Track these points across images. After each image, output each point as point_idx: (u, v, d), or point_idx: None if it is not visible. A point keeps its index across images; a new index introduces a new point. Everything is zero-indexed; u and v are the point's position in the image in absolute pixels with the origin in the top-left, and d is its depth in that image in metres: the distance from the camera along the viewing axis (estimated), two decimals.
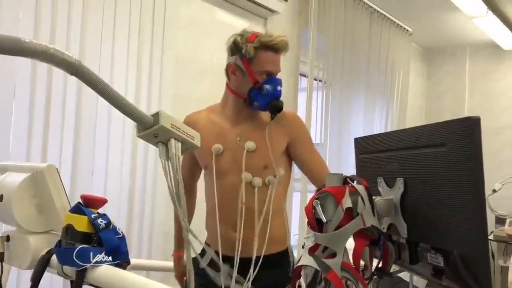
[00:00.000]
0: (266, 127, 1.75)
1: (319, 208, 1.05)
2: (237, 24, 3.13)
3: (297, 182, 3.37)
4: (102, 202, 1.08)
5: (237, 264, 1.64)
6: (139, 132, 0.98)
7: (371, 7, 4.33)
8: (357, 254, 1.07)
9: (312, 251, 1.06)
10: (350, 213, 1.05)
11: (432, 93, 5.92)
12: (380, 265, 1.16)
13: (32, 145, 2.10)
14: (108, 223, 1.03)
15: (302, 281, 1.12)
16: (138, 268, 2.09)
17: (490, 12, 4.22)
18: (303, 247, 1.09)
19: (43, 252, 1.07)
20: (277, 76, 1.77)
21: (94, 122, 2.33)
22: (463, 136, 0.95)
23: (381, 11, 4.48)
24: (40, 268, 1.05)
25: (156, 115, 0.96)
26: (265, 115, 1.79)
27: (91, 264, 0.97)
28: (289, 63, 3.56)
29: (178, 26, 2.76)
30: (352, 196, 1.06)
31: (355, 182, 1.09)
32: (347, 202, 1.05)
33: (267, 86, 1.71)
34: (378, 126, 4.58)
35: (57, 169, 1.14)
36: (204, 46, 2.99)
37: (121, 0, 2.41)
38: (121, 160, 2.44)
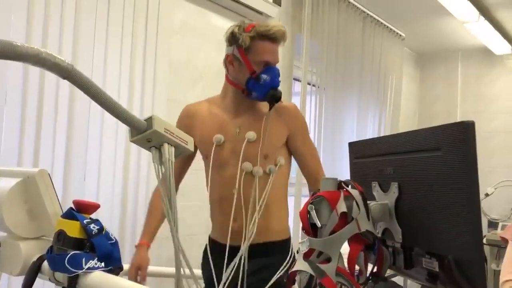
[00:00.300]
0: (264, 116, 1.74)
1: (313, 213, 1.04)
2: None
3: (291, 186, 3.36)
4: (94, 207, 1.07)
5: (228, 251, 1.66)
6: (132, 136, 0.97)
7: (364, 12, 4.34)
8: (352, 259, 1.06)
9: (306, 256, 1.05)
10: (345, 218, 1.05)
11: (425, 98, 5.95)
12: (375, 270, 1.16)
13: (24, 149, 2.08)
14: (101, 228, 1.02)
15: (296, 286, 1.12)
16: None
17: (482, 18, 4.26)
18: (297, 252, 1.08)
19: (35, 258, 1.06)
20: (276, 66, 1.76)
21: (87, 127, 2.32)
22: (458, 140, 0.95)
23: (374, 16, 4.50)
24: (32, 274, 1.04)
25: (149, 120, 0.95)
26: (265, 106, 1.78)
27: (83, 270, 0.96)
28: (283, 68, 3.57)
29: (171, 30, 2.76)
30: (347, 201, 1.06)
31: (349, 186, 1.09)
32: (341, 207, 1.05)
33: (264, 76, 1.70)
34: (371, 130, 4.59)
35: (49, 174, 1.13)
36: (198, 50, 2.98)
37: (114, 4, 2.41)
38: (114, 165, 2.42)
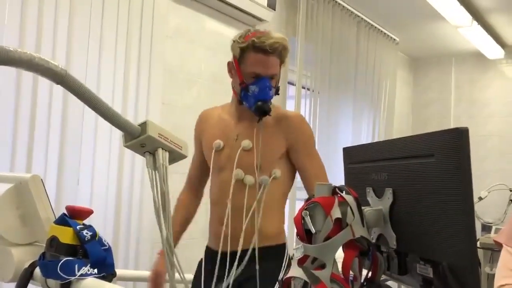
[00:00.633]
0: (263, 127, 1.73)
1: (308, 219, 1.04)
2: (224, 32, 3.13)
3: None
4: (87, 213, 1.06)
5: (219, 258, 1.68)
6: (126, 142, 0.96)
7: (358, 16, 4.36)
8: (346, 265, 1.06)
9: (301, 262, 1.05)
10: (339, 224, 1.04)
11: (419, 102, 5.98)
12: (369, 276, 1.16)
13: (16, 154, 2.07)
14: (94, 234, 1.02)
15: None
16: (125, 279, 2.06)
17: (475, 22, 4.29)
18: (292, 258, 1.08)
19: (27, 265, 1.05)
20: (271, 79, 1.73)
21: (80, 132, 2.31)
22: (452, 146, 0.95)
23: (368, 21, 4.52)
24: (24, 281, 1.03)
25: (144, 125, 0.95)
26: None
27: (76, 277, 0.95)
28: None
29: (165, 34, 2.75)
30: (341, 207, 1.05)
31: (344, 192, 1.09)
32: (336, 213, 1.04)
33: (253, 87, 1.69)
34: (365, 133, 4.60)
35: (41, 179, 1.12)
36: (192, 54, 2.98)
37: (108, 8, 2.40)
38: (108, 170, 2.41)
